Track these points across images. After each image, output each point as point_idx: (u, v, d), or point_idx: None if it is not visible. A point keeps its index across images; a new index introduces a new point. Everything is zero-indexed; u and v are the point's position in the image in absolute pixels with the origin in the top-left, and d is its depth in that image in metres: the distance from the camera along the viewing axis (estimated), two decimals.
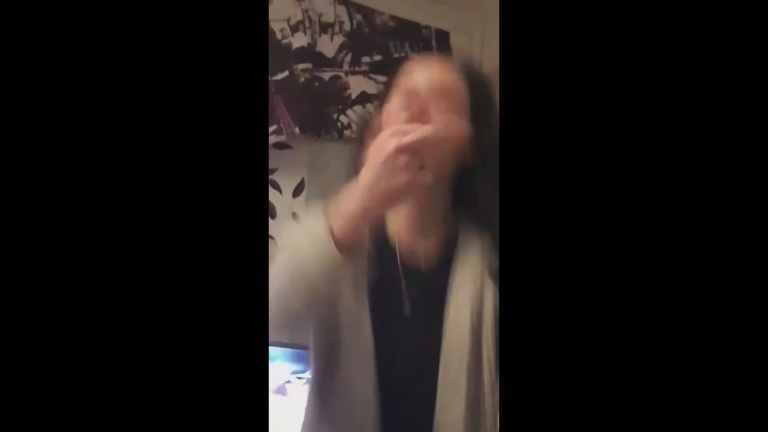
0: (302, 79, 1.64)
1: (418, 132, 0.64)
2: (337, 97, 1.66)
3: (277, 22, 1.62)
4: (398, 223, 0.82)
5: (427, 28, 1.68)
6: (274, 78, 1.59)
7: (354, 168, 0.74)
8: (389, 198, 0.65)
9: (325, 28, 1.67)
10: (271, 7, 1.56)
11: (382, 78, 1.59)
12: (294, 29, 1.64)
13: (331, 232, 0.64)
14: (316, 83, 1.66)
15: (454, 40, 1.69)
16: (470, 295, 0.78)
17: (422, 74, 0.79)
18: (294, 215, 1.69)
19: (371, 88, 1.64)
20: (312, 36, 1.66)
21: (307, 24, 1.65)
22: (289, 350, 1.49)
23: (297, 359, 1.49)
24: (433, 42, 1.69)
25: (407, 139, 0.63)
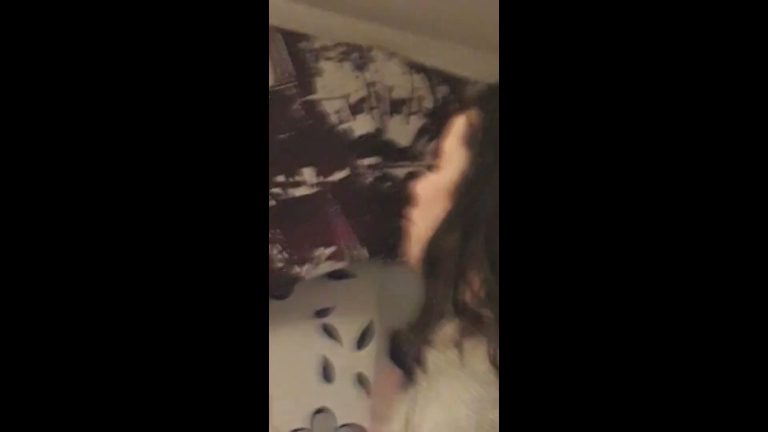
0: (368, 180, 1.28)
1: None
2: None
3: (330, 101, 1.27)
4: None
5: None
6: (330, 179, 1.23)
7: None
8: None
9: (397, 106, 1.34)
10: (320, 81, 1.25)
11: None
12: (355, 110, 1.30)
13: None
14: (388, 183, 1.30)
15: None
16: None
17: None
18: (360, 378, 1.28)
19: None
20: (381, 118, 1.32)
21: (373, 102, 1.32)
22: None
23: None
24: None
25: None
